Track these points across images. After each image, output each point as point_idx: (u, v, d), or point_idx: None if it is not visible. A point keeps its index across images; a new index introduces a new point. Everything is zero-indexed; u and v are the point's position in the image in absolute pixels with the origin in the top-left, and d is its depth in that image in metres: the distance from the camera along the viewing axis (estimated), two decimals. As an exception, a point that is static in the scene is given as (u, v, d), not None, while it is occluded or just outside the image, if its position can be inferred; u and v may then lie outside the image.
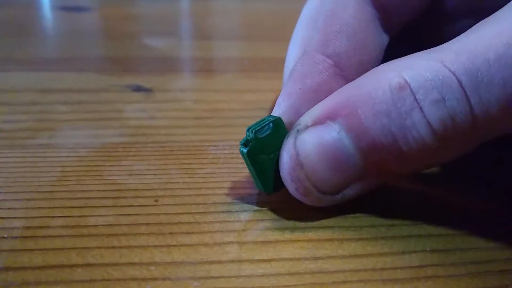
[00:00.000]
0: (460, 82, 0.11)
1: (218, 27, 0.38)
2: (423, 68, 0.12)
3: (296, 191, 0.14)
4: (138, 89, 0.24)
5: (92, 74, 0.26)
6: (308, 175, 0.13)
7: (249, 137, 0.14)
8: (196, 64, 0.29)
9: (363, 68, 0.15)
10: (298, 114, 0.14)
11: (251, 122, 0.14)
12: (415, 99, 0.12)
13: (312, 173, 0.13)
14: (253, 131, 0.14)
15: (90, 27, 0.36)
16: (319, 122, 0.13)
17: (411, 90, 0.12)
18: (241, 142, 0.14)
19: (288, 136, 0.14)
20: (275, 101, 0.15)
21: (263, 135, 0.14)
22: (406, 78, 0.12)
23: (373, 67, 0.14)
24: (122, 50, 0.31)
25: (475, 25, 0.13)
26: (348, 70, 0.15)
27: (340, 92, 0.13)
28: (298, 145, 0.13)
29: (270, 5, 0.44)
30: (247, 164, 0.14)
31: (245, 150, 0.14)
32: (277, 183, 0.14)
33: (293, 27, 0.19)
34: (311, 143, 0.13)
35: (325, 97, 0.14)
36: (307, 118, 0.14)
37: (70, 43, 0.32)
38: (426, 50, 0.13)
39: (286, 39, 0.19)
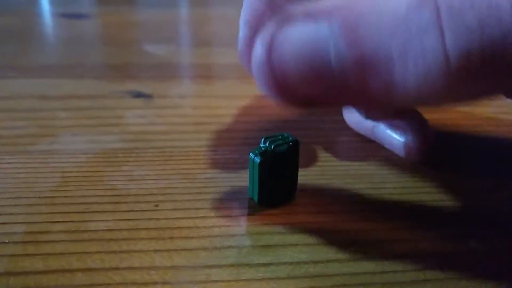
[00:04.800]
0: None
1: (217, 34, 0.38)
2: None
3: (262, 86, 0.12)
4: (138, 95, 0.24)
5: (92, 81, 0.26)
6: (276, 74, 0.11)
7: (267, 148, 0.14)
8: (195, 70, 0.30)
9: None
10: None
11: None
12: (438, 16, 0.09)
13: (281, 73, 0.11)
14: (272, 144, 0.14)
15: (90, 34, 0.37)
16: (311, 16, 0.11)
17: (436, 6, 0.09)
18: (256, 150, 0.14)
19: (270, 21, 0.11)
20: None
21: (280, 151, 0.14)
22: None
23: None
24: (122, 56, 0.31)
25: None
26: None
27: None
28: (276, 38, 0.11)
29: (268, 12, 0.44)
30: (254, 173, 0.14)
31: (257, 160, 0.14)
32: (273, 200, 0.15)
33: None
34: (292, 40, 0.11)
35: None
36: (299, 8, 0.11)
37: (70, 50, 0.32)
38: None
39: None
